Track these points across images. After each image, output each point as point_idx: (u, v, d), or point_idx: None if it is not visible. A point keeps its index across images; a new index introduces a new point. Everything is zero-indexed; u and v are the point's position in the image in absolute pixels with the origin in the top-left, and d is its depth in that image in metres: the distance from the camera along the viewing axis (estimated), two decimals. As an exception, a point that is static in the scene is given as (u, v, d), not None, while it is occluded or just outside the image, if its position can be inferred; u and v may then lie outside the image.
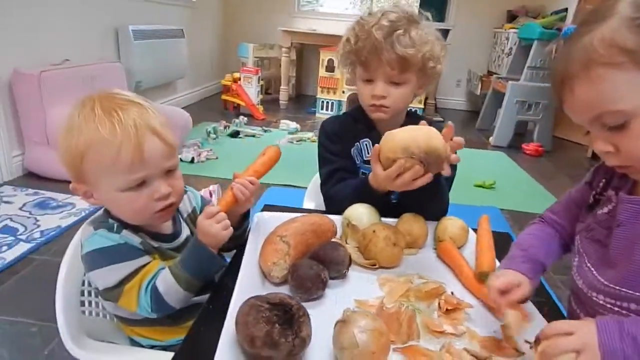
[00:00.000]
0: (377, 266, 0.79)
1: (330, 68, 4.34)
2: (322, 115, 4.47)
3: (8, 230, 1.83)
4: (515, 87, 3.77)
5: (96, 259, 0.68)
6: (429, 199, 0.89)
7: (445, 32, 4.81)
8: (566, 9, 4.36)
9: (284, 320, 0.53)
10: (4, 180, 2.30)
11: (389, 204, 1.02)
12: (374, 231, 0.79)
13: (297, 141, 3.52)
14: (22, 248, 1.70)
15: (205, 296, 0.76)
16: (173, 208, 0.73)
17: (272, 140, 3.47)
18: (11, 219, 1.92)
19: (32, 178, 2.37)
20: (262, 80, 4.44)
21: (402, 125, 1.00)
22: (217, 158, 2.91)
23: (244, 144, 3.37)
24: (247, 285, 0.68)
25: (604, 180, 0.68)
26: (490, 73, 4.90)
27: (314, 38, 4.54)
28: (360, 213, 0.85)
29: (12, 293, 1.47)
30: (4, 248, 1.70)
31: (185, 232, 0.80)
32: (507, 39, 4.57)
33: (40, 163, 2.36)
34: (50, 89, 2.30)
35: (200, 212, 0.85)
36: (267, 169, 0.82)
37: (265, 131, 3.72)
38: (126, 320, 0.77)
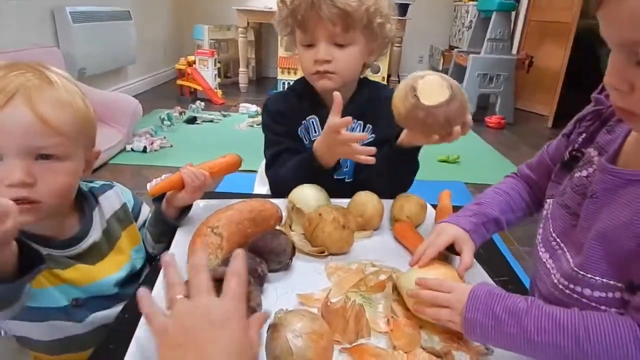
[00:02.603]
0: (325, 253, 0.70)
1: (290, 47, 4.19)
2: (284, 97, 4.34)
3: None
4: (476, 60, 3.75)
5: None
6: (404, 169, 0.83)
7: (405, 7, 4.74)
8: (523, -20, 4.36)
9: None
10: None
11: (341, 184, 0.93)
12: (320, 214, 0.70)
13: (258, 124, 3.37)
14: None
15: (111, 311, 0.65)
16: (37, 208, 0.56)
17: (232, 125, 3.33)
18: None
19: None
20: (219, 63, 4.24)
21: (353, 96, 0.92)
22: (171, 146, 2.75)
23: (201, 130, 3.21)
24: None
25: (584, 135, 0.59)
26: (452, 47, 4.88)
27: (271, 16, 4.34)
28: (306, 195, 0.76)
29: None
30: None
31: (95, 235, 0.66)
32: (467, 12, 4.54)
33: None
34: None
35: (134, 210, 0.74)
36: (222, 172, 0.74)
37: (225, 116, 3.56)
38: (28, 344, 0.65)
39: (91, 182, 0.72)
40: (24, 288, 0.52)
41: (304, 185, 0.78)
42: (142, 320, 0.50)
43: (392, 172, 0.84)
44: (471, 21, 4.40)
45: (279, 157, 0.90)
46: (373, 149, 0.75)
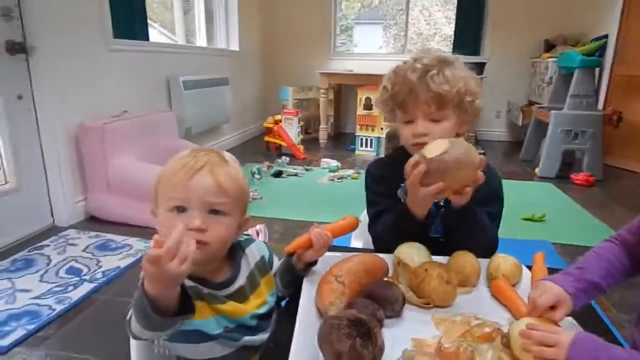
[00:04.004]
0: (431, 305, 0.80)
1: (367, 106, 4.44)
2: (362, 152, 4.54)
3: (73, 271, 1.96)
4: (558, 116, 3.70)
5: (139, 287, 0.74)
6: (471, 230, 0.91)
7: (481, 65, 4.83)
8: (606, 35, 4.29)
9: (362, 334, 0.60)
10: (68, 223, 2.48)
11: (435, 242, 1.03)
12: (426, 269, 0.80)
13: (338, 179, 3.58)
14: (86, 288, 1.82)
15: (255, 337, 0.80)
16: (206, 249, 0.72)
17: (314, 179, 3.56)
18: (76, 260, 2.06)
19: (93, 221, 2.54)
20: (301, 120, 4.59)
21: None
22: (261, 198, 3.01)
23: (287, 183, 3.47)
24: (307, 322, 0.71)
25: None
26: (531, 103, 4.83)
27: (350, 78, 4.69)
28: (411, 252, 0.87)
29: (77, 331, 1.56)
30: (70, 288, 1.82)
31: (241, 280, 0.82)
32: (547, 68, 4.52)
33: (101, 207, 2.54)
34: (111, 139, 2.51)
35: (269, 261, 0.90)
36: (341, 233, 0.88)
37: (307, 170, 3.81)
38: None
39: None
40: (176, 324, 0.67)
41: (408, 243, 0.89)
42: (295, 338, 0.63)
43: (465, 232, 0.94)
44: (551, 77, 4.37)
45: (379, 215, 1.03)
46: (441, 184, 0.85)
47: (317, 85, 4.99)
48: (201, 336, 0.75)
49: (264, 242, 0.94)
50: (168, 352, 0.87)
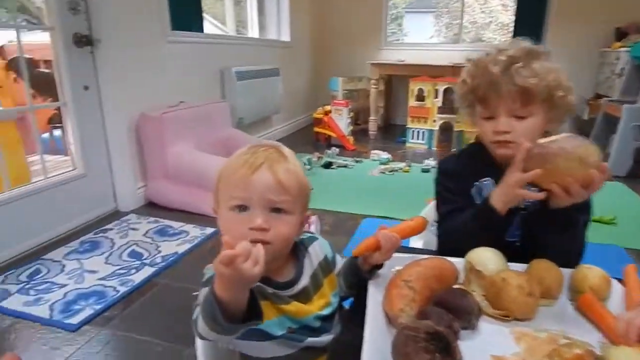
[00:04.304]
0: (510, 317, 0.75)
1: (420, 97, 4.31)
2: (413, 144, 4.43)
3: (135, 255, 2.05)
4: (631, 111, 3.41)
5: (202, 284, 0.74)
6: (562, 237, 0.84)
7: (545, 55, 4.50)
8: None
9: (440, 349, 0.57)
10: (130, 209, 2.60)
11: (509, 246, 0.97)
12: (504, 279, 0.75)
13: (390, 171, 3.51)
14: (146, 272, 1.89)
15: (318, 339, 0.78)
16: (269, 249, 0.68)
17: (364, 170, 3.51)
18: (137, 245, 2.16)
19: (152, 207, 2.65)
20: (351, 111, 4.53)
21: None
22: (312, 189, 3.00)
23: (337, 175, 3.44)
24: (376, 331, 0.68)
25: None
26: (598, 96, 4.49)
27: (402, 69, 4.57)
28: (486, 258, 0.82)
29: (140, 313, 1.63)
30: (133, 271, 1.90)
31: (305, 281, 0.80)
32: (618, 58, 4.17)
33: (160, 194, 2.64)
34: (169, 128, 2.58)
35: (332, 260, 0.88)
36: (409, 235, 0.85)
37: (357, 162, 3.77)
38: (249, 358, 0.80)
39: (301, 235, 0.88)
40: (242, 329, 0.65)
41: (482, 248, 0.84)
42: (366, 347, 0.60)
43: (555, 238, 0.86)
44: (623, 68, 4.03)
45: (452, 213, 0.98)
46: (541, 195, 0.79)
47: (367, 75, 4.91)
48: (264, 336, 0.75)
49: (318, 235, 0.92)
50: (233, 347, 0.87)
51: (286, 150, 0.80)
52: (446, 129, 4.31)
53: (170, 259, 2.02)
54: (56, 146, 3.29)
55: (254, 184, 0.71)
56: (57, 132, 3.36)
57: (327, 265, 0.85)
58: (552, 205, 0.82)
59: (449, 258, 0.84)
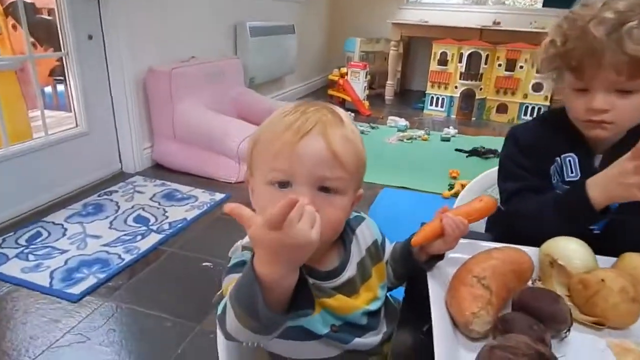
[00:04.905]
0: (604, 326, 0.60)
1: (442, 62, 4.06)
2: (431, 111, 4.21)
3: (141, 220, 1.93)
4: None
5: (228, 271, 0.60)
6: None
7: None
8: None
9: None
10: (135, 170, 2.46)
11: (586, 235, 0.81)
12: (602, 280, 0.60)
13: (408, 139, 3.33)
14: (153, 239, 1.77)
15: (366, 340, 0.64)
16: None
17: (381, 137, 3.33)
18: (143, 209, 2.03)
19: (159, 169, 2.51)
20: (368, 75, 4.30)
21: (621, 141, 0.80)
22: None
23: (352, 141, 3.27)
24: (446, 343, 0.54)
25: None
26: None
27: (425, 30, 4.28)
28: (571, 251, 0.66)
29: (146, 284, 1.52)
30: (139, 237, 1.78)
31: (351, 271, 0.65)
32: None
33: (167, 155, 2.49)
34: (179, 85, 2.40)
35: (382, 246, 0.73)
36: (478, 218, 0.68)
37: (373, 128, 3.59)
38: (278, 359, 0.67)
39: None
40: (286, 323, 0.50)
41: (567, 238, 0.68)
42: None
43: None
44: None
45: (520, 193, 0.82)
46: None
47: (385, 37, 4.63)
48: (305, 334, 0.61)
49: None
50: (263, 345, 0.74)
51: (342, 112, 0.63)
52: (468, 96, 4.08)
53: (179, 225, 1.89)
54: (60, 102, 3.12)
55: (300, 154, 0.55)
56: (60, 87, 3.18)
57: (376, 252, 0.70)
58: None
59: (522, 247, 0.69)
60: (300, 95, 4.67)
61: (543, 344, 0.51)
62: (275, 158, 0.56)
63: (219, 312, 0.54)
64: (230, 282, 0.55)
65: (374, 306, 0.66)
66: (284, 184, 0.56)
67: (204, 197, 2.18)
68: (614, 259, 0.69)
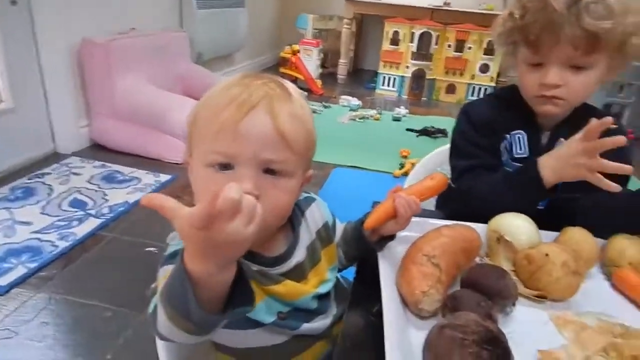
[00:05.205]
0: (545, 298, 0.61)
1: (394, 41, 4.07)
2: (383, 91, 4.23)
3: (78, 204, 1.79)
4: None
5: (164, 261, 0.54)
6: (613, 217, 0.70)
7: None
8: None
9: (498, 357, 0.42)
10: (71, 150, 2.28)
11: (533, 211, 0.83)
12: (547, 254, 0.61)
13: (360, 119, 3.33)
14: (91, 224, 1.66)
15: (315, 324, 0.62)
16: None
17: (334, 117, 3.31)
18: (80, 192, 1.89)
19: (98, 149, 2.34)
20: (321, 53, 4.23)
21: (567, 119, 0.81)
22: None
23: (304, 120, 3.22)
24: (396, 324, 0.52)
25: None
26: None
27: (378, 8, 4.24)
28: (517, 227, 0.67)
29: (83, 273, 1.42)
30: (75, 223, 1.66)
31: (299, 255, 0.62)
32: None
33: (107, 134, 2.32)
34: (118, 58, 2.23)
35: (332, 227, 0.69)
36: (430, 196, 0.66)
37: (326, 107, 3.55)
38: (224, 349, 0.63)
39: None
40: (222, 322, 0.45)
41: (511, 214, 0.69)
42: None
43: (608, 214, 0.73)
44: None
45: (472, 170, 0.81)
46: (619, 187, 0.64)
47: (338, 14, 4.56)
48: (247, 323, 0.57)
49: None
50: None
51: (291, 86, 0.58)
52: (419, 76, 4.13)
53: (120, 209, 1.78)
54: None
55: (244, 134, 0.50)
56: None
57: (326, 234, 0.67)
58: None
59: (471, 224, 0.68)
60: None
61: (491, 320, 0.51)
62: (216, 138, 0.51)
63: (150, 310, 0.49)
64: (165, 274, 0.49)
65: (323, 289, 0.63)
66: (225, 166, 0.51)
67: (148, 179, 2.06)
68: (556, 234, 0.71)
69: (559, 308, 0.61)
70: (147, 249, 1.49)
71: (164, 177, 2.08)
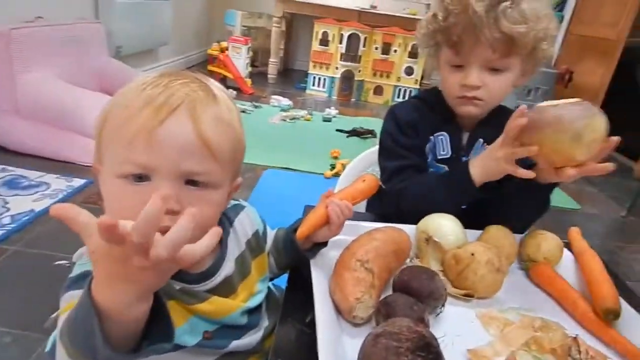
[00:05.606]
0: (472, 297, 0.63)
1: (324, 42, 4.10)
2: (313, 92, 4.25)
3: (-28, 214, 1.58)
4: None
5: (68, 286, 0.47)
6: (530, 207, 0.75)
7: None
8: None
9: None
10: (-36, 153, 2.01)
11: (458, 211, 0.86)
12: (472, 254, 0.62)
13: (291, 119, 3.31)
14: (-10, 236, 1.46)
15: (244, 340, 0.58)
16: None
17: (264, 117, 3.25)
18: (-25, 200, 1.66)
19: (-2, 152, 2.08)
20: (250, 51, 4.14)
21: (484, 120, 0.84)
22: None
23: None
24: (330, 333, 0.50)
25: None
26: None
27: (310, 8, 4.24)
28: (445, 227, 0.69)
29: (-21, 292, 1.24)
30: (-32, 236, 1.45)
31: (228, 268, 0.57)
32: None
33: (9, 135, 2.07)
34: (21, 49, 2.00)
35: (263, 235, 0.66)
36: (363, 198, 0.65)
37: (256, 107, 3.48)
38: None
39: None
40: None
41: (440, 214, 0.70)
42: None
43: (519, 206, 0.77)
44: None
45: (403, 172, 0.82)
46: (532, 174, 0.67)
47: (267, 12, 4.50)
48: (171, 347, 0.52)
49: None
50: None
51: (216, 86, 0.53)
52: (348, 77, 4.20)
53: (24, 218, 1.59)
54: None
55: (162, 142, 0.44)
56: None
57: (257, 244, 0.63)
58: (536, 178, 0.69)
59: (400, 226, 0.69)
60: (177, 70, 4.31)
61: (423, 324, 0.51)
62: (130, 145, 0.45)
63: (47, 347, 0.42)
64: (70, 302, 0.43)
65: (253, 303, 0.60)
66: (140, 177, 0.45)
67: (59, 184, 1.86)
68: (479, 232, 0.74)
69: (484, 305, 0.63)
70: (55, 263, 1.34)
71: (77, 182, 1.90)
